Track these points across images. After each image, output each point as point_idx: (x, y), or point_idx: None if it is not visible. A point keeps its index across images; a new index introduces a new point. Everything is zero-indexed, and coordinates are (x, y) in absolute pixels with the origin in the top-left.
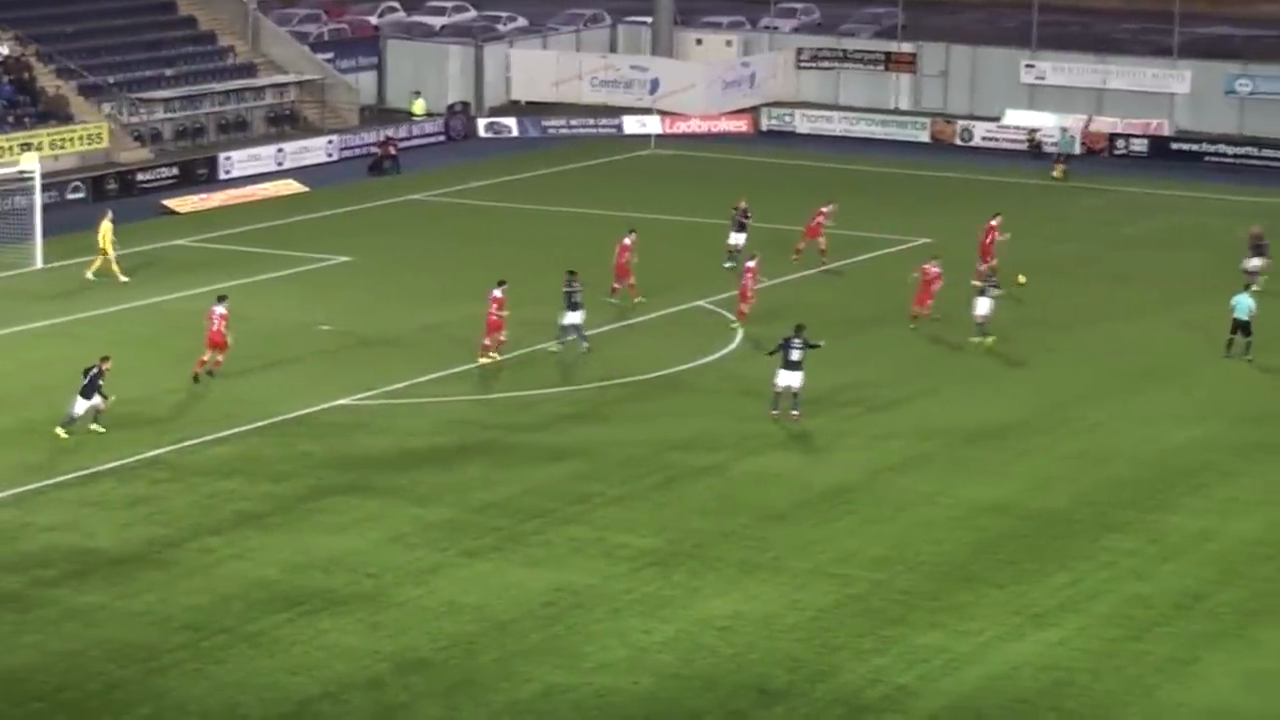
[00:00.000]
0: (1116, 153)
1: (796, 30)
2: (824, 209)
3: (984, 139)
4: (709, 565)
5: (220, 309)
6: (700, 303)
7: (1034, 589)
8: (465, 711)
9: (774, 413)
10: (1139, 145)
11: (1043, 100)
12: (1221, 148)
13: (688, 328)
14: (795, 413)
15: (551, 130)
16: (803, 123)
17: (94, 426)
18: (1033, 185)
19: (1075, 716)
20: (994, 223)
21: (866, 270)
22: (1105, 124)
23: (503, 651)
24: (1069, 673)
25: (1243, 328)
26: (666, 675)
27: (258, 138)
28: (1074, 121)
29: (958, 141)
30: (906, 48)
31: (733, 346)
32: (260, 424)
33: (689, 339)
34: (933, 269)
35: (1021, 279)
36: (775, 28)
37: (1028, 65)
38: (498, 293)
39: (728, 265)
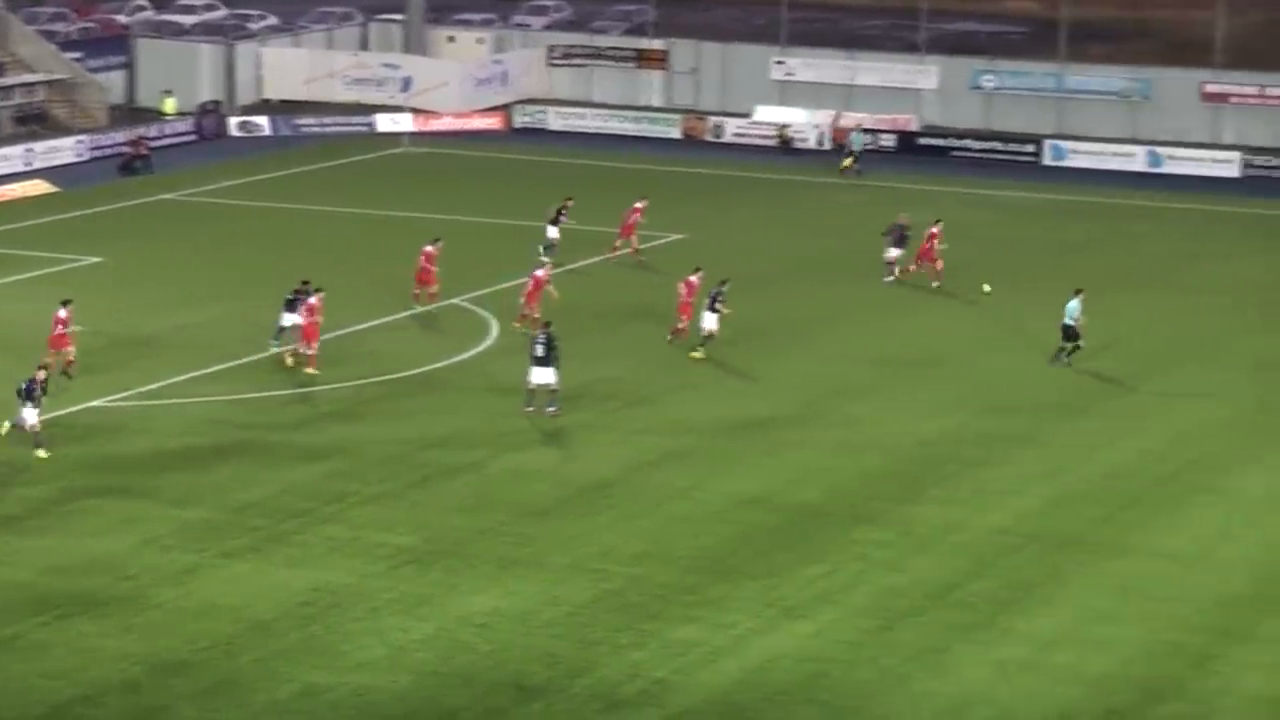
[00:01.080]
0: (866, 148)
1: (548, 27)
2: (637, 205)
3: (735, 135)
4: (467, 563)
5: (63, 312)
6: (455, 300)
7: (790, 581)
8: (224, 713)
9: (528, 410)
10: (888, 140)
11: (793, 96)
12: (968, 142)
13: (443, 325)
14: (552, 409)
15: (304, 129)
16: (555, 120)
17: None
18: (783, 180)
19: (831, 707)
20: (935, 229)
21: (621, 267)
22: (854, 120)
23: (262, 652)
24: (824, 664)
25: (1068, 332)
26: (425, 673)
27: (6, 137)
28: (823, 117)
29: (709, 138)
30: (658, 45)
31: (488, 344)
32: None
33: (445, 337)
34: (694, 281)
35: (986, 288)
36: (527, 25)
37: (777, 62)
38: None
39: (544, 259)
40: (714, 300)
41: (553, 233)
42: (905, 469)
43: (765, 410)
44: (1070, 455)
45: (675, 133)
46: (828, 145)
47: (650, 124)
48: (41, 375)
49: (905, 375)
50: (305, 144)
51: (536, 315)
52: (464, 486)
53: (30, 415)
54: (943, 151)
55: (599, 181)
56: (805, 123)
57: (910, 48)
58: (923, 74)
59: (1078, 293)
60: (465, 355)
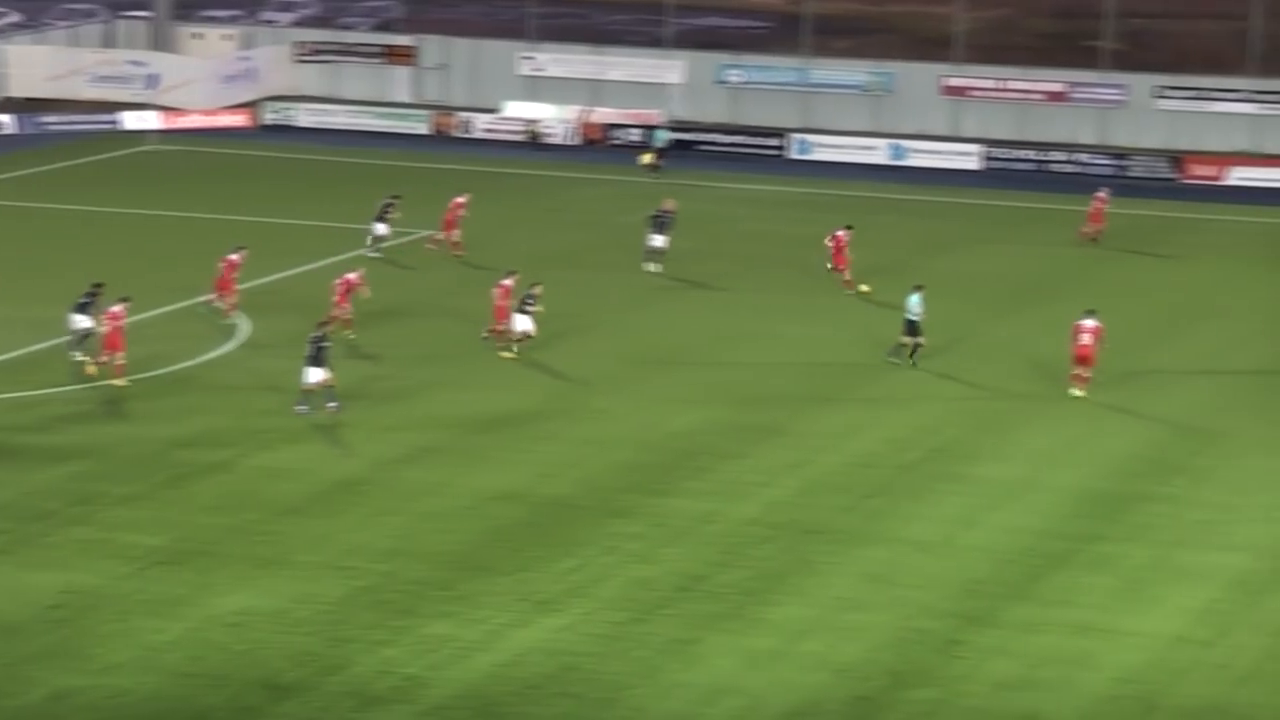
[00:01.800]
0: (614, 143)
1: (296, 24)
2: (459, 199)
3: (484, 131)
4: (219, 562)
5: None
6: (207, 298)
7: (541, 575)
8: None
9: (301, 408)
10: (635, 135)
11: (541, 92)
12: (715, 136)
13: (191, 323)
14: (332, 405)
15: (49, 127)
16: (304, 116)
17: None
18: (532, 175)
19: (583, 699)
20: (841, 234)
21: (372, 262)
22: (603, 115)
23: (10, 656)
24: (576, 657)
25: (911, 328)
26: (177, 674)
27: None
28: (571, 113)
29: (459, 134)
30: (406, 41)
31: (240, 342)
32: None
33: (196, 335)
34: (508, 284)
35: (864, 288)
36: (274, 21)
37: (525, 57)
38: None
39: (372, 255)
40: (524, 301)
41: (381, 229)
42: (656, 461)
43: (515, 405)
44: (817, 445)
45: (424, 129)
46: (576, 140)
47: (399, 120)
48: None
49: (654, 368)
50: (50, 142)
51: (349, 316)
52: (215, 485)
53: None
54: (690, 146)
55: (348, 178)
56: (554, 118)
57: (656, 43)
58: (669, 69)
59: (918, 288)
60: (216, 353)
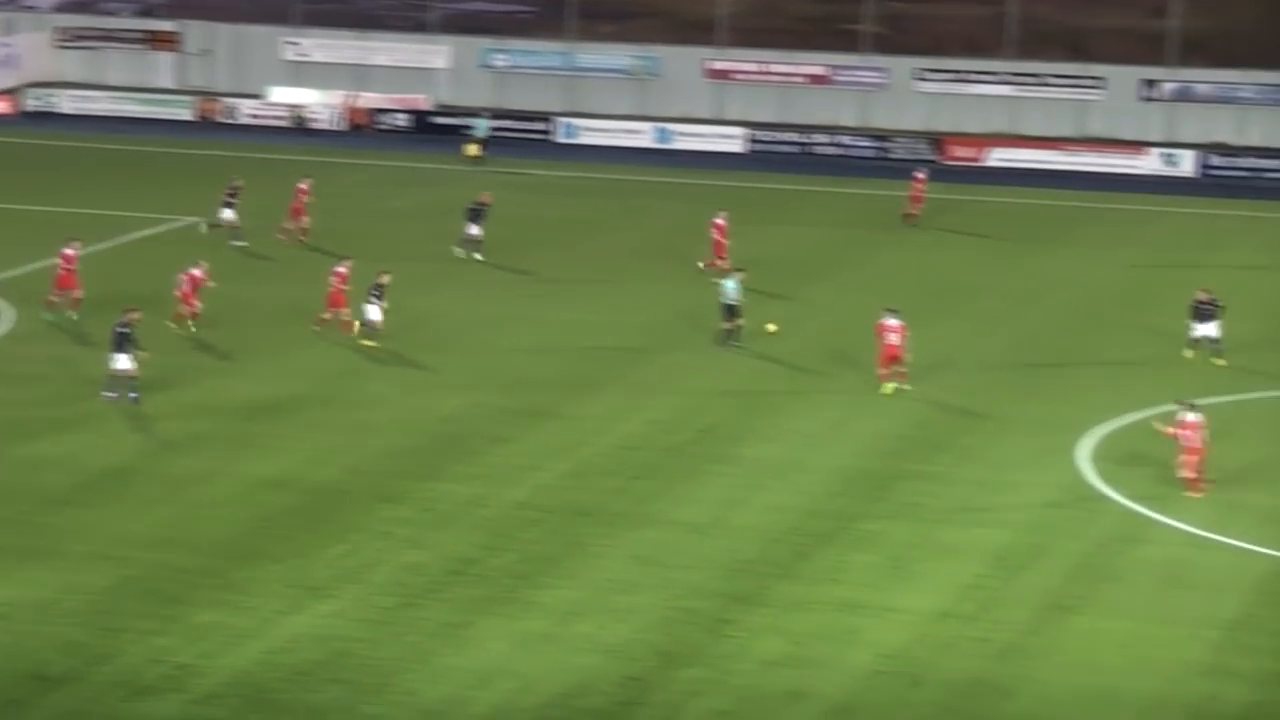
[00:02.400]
0: (381, 128)
1: (57, 9)
2: (301, 185)
3: (249, 116)
4: None
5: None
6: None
7: (312, 562)
8: None
9: (110, 395)
10: (402, 120)
11: (306, 77)
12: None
13: None
14: (133, 396)
15: None
16: (67, 103)
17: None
18: (299, 161)
19: (354, 685)
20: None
21: (133, 250)
22: (369, 100)
23: None
24: (347, 643)
25: (729, 312)
26: None
27: None
28: (338, 98)
29: (223, 120)
30: (169, 26)
31: (3, 331)
32: None
33: None
34: (343, 271)
35: (771, 327)
36: (35, 7)
37: (290, 42)
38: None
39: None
40: (372, 291)
41: (228, 215)
42: (425, 446)
43: (284, 391)
44: (586, 429)
45: (188, 114)
46: (342, 126)
47: (163, 106)
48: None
49: (422, 353)
50: None
51: (196, 311)
52: None
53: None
54: (456, 130)
55: (112, 165)
56: (319, 103)
57: (421, 27)
58: (434, 53)
59: (738, 271)
60: None
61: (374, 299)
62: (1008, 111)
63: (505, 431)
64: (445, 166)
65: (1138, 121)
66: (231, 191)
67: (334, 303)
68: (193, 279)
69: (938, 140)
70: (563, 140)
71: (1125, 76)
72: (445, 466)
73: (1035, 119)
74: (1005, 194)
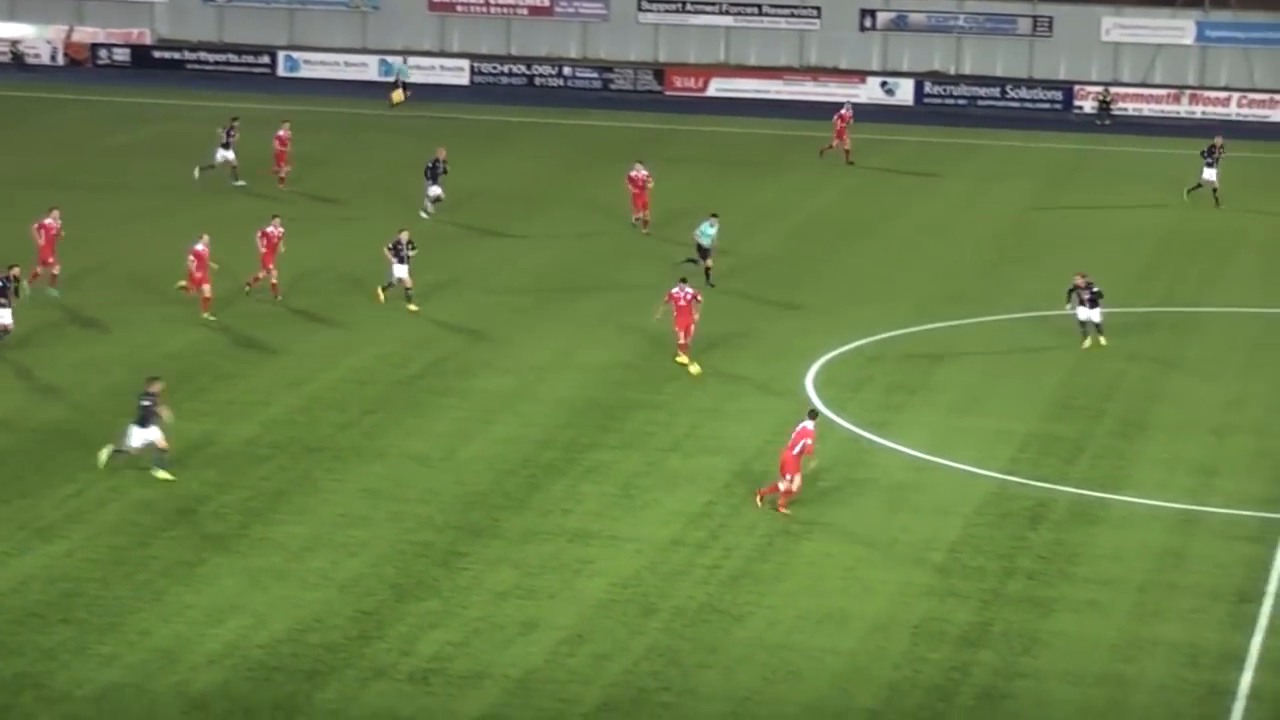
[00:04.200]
0: (100, 63)
1: None
2: (282, 133)
3: None
4: None
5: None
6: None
7: (40, 502)
8: None
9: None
10: (121, 54)
11: (22, 11)
12: (202, 55)
13: None
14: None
15: None
16: None
17: (159, 473)
18: (17, 97)
19: (86, 625)
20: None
21: None
22: (87, 34)
23: None
24: (77, 583)
25: (702, 251)
26: None
27: None
28: (55, 32)
29: None
30: None
31: None
32: None
33: None
34: (272, 232)
35: (694, 369)
36: None
37: None
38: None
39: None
40: (394, 250)
41: (225, 155)
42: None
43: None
44: (314, 364)
45: None
46: (61, 60)
47: None
48: (156, 388)
49: (147, 290)
50: None
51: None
52: None
53: (135, 438)
54: (177, 65)
55: None
56: (36, 37)
57: None
58: None
59: (713, 216)
60: None
61: (399, 258)
62: (728, 42)
63: (233, 368)
64: (166, 102)
65: (856, 51)
66: (231, 129)
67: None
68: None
69: (660, 71)
70: (285, 74)
71: (842, 6)
72: (174, 404)
73: (755, 49)
74: (727, 124)
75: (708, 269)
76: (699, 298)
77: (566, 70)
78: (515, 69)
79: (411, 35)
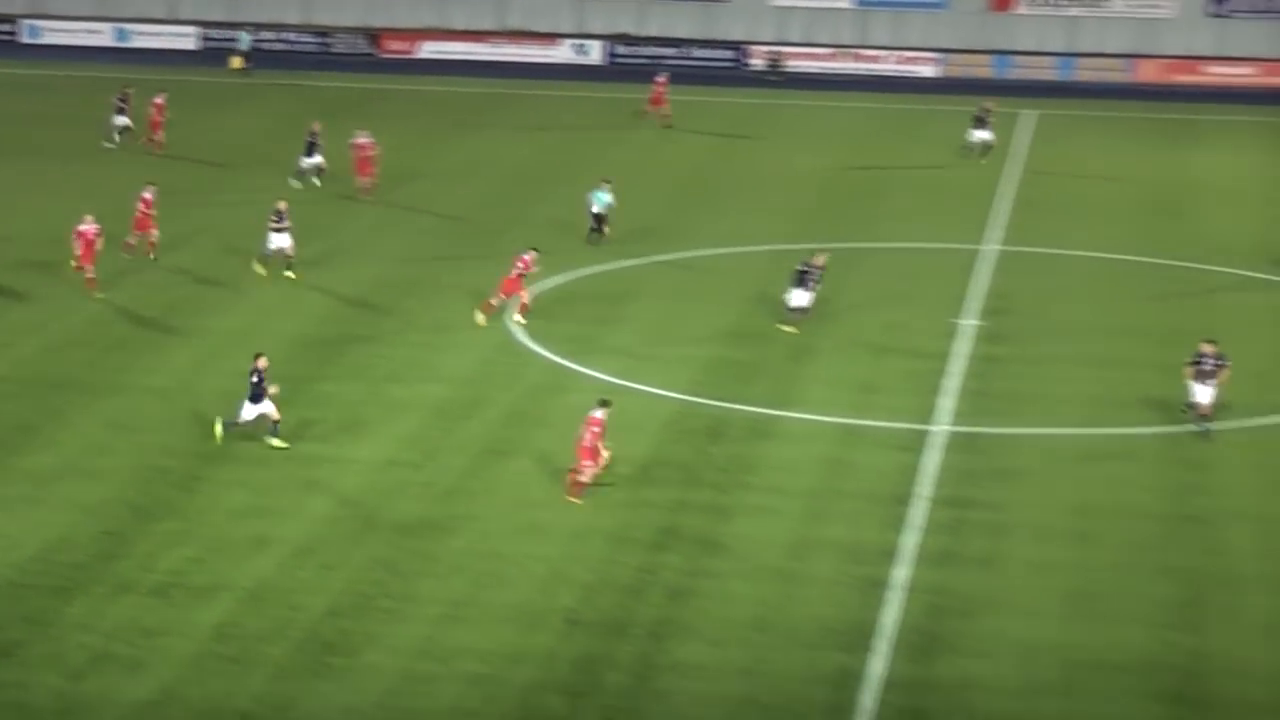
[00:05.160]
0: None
1: None
2: (158, 100)
3: None
4: None
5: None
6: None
7: None
8: None
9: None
10: None
11: None
12: None
13: None
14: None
15: None
16: None
17: (274, 441)
18: None
19: None
20: (362, 140)
21: None
22: None
23: None
24: None
25: (599, 220)
26: None
27: None
28: None
29: None
30: None
31: None
32: None
33: None
34: (149, 196)
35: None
36: None
37: None
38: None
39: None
40: (273, 218)
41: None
42: None
43: None
44: (58, 307)
45: None
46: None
47: None
48: (263, 363)
49: None
50: None
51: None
52: None
53: (248, 412)
54: None
55: None
56: None
57: None
58: None
59: (605, 182)
60: None
61: (279, 227)
62: (436, 7)
63: None
64: None
65: (552, 15)
66: (122, 97)
67: (140, 226)
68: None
69: (374, 35)
70: (27, 40)
71: None
72: None
73: (461, 13)
74: (437, 83)
75: (601, 232)
76: (532, 266)
77: (289, 35)
78: (239, 35)
79: (145, 3)
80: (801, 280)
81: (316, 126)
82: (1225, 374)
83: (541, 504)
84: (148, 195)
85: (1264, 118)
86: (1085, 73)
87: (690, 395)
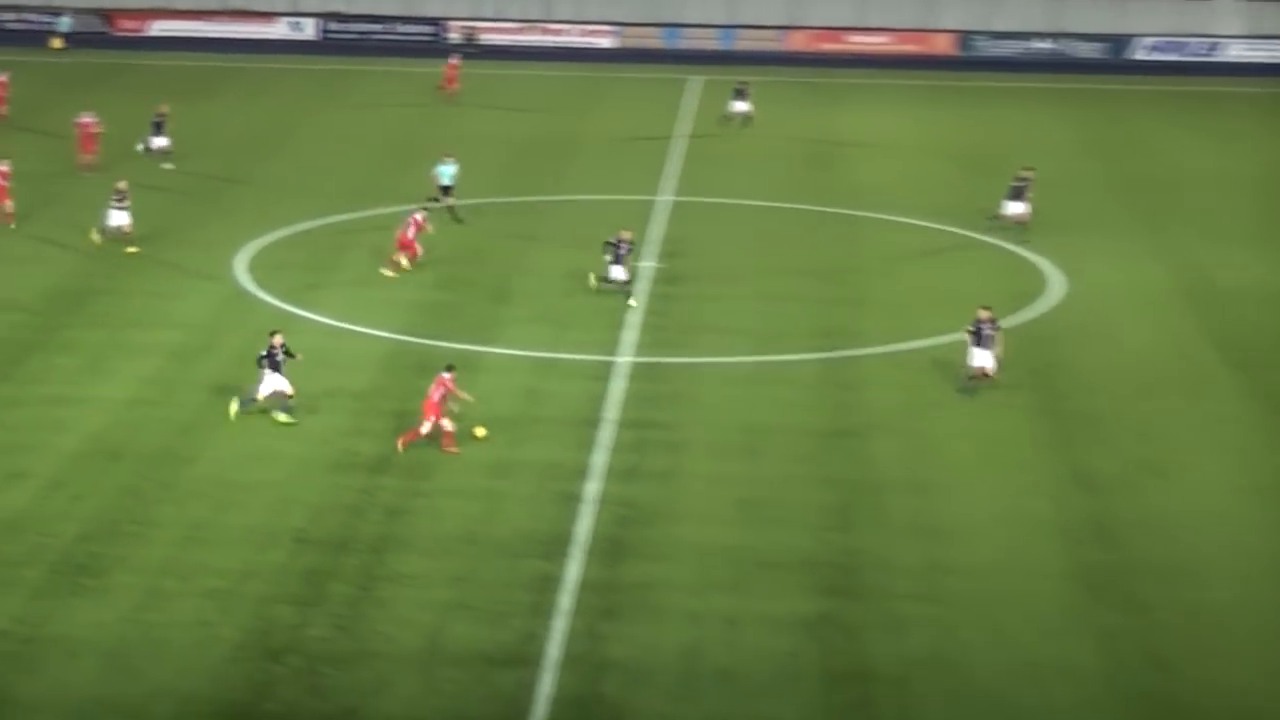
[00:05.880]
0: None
1: None
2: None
3: None
4: None
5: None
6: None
7: None
8: None
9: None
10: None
11: None
12: None
13: None
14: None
15: None
16: None
17: (282, 417)
18: None
19: None
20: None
21: None
22: None
23: None
24: None
25: (446, 191)
26: None
27: None
28: None
29: None
30: None
31: None
32: None
33: None
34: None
35: (480, 431)
36: None
37: None
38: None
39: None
40: (115, 198)
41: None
42: None
43: None
44: None
45: None
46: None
47: None
48: (279, 340)
49: None
50: None
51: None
52: None
53: (265, 387)
54: None
55: None
56: None
57: None
58: None
59: (449, 156)
60: None
61: (119, 206)
62: None
63: None
64: None
65: None
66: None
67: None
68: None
69: (107, 15)
70: None
71: None
72: None
73: None
74: (168, 59)
75: (450, 206)
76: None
77: (30, 16)
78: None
79: None
80: (616, 257)
81: (164, 108)
82: (1000, 335)
83: (271, 434)
84: (4, 168)
85: (899, 81)
86: (744, 43)
87: (402, 335)
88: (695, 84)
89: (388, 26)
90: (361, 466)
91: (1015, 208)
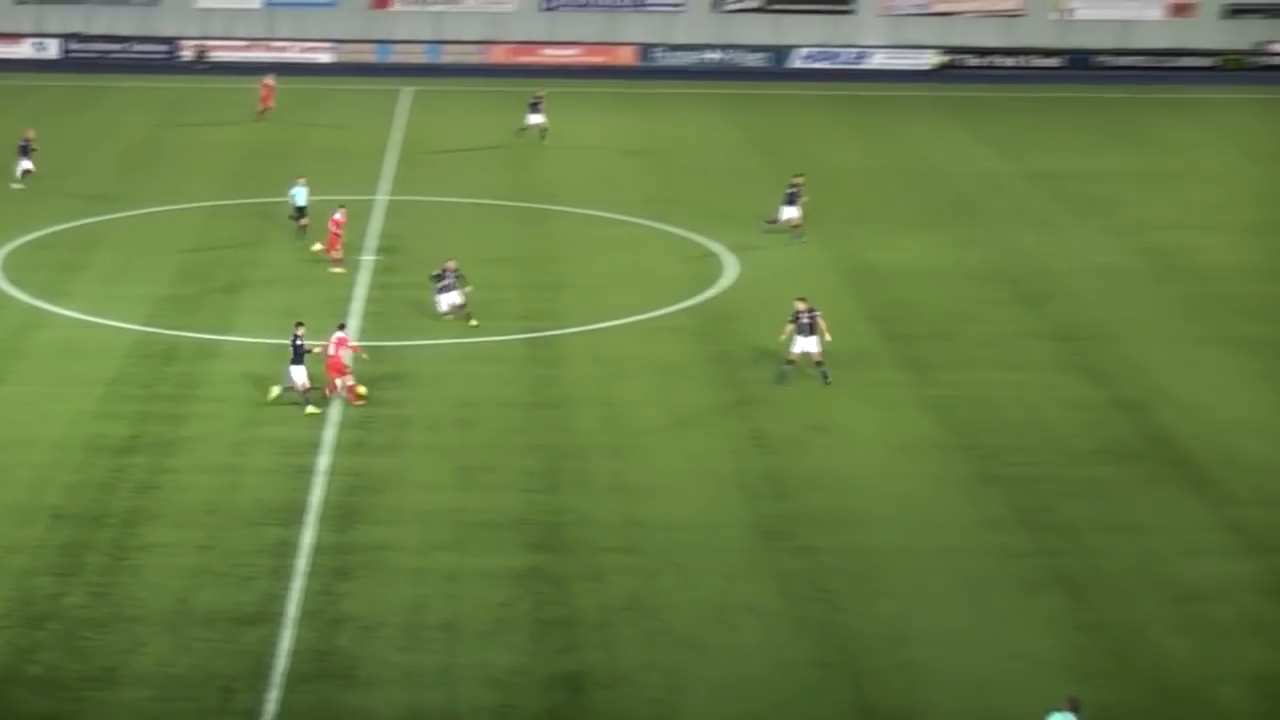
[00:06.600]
0: None
1: None
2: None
3: None
4: None
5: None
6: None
7: None
8: None
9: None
10: None
11: None
12: None
13: None
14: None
15: None
16: None
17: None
18: None
19: None
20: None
21: None
22: None
23: None
24: None
25: (300, 212)
26: None
27: None
28: None
29: None
30: None
31: None
32: None
33: None
34: None
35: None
36: None
37: None
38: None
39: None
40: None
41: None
42: None
43: None
44: None
45: None
46: None
47: None
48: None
49: None
50: None
51: None
52: None
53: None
54: None
55: None
56: None
57: None
58: None
59: (301, 179)
60: None
61: None
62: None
63: None
64: None
65: (14, 18)
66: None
67: None
68: None
69: None
70: None
71: None
72: None
73: None
74: None
75: (303, 226)
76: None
77: None
78: None
79: None
80: (445, 286)
81: (31, 133)
82: (823, 321)
83: (27, 420)
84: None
85: (588, 89)
86: (449, 56)
87: (147, 326)
88: (406, 94)
89: (125, 46)
90: (112, 448)
91: (789, 212)
